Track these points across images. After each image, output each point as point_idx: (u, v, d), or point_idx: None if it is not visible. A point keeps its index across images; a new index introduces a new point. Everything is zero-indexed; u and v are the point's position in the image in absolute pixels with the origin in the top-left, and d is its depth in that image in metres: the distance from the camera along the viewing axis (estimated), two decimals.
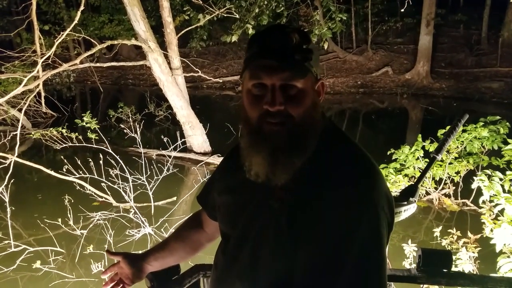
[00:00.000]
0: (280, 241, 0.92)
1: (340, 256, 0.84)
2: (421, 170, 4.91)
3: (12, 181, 4.49)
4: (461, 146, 4.67)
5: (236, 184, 1.05)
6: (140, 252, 1.30)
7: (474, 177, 3.19)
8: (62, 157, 5.17)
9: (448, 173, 4.79)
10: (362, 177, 0.90)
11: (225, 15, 6.64)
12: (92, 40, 5.99)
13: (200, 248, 1.31)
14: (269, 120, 0.90)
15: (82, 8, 4.99)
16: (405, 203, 1.49)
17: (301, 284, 0.87)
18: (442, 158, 4.69)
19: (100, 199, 4.96)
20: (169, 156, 5.22)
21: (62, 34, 4.81)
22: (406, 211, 1.49)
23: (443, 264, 1.29)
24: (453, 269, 2.87)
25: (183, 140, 6.06)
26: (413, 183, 1.64)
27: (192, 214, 1.36)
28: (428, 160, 4.32)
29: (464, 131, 4.56)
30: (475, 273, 2.93)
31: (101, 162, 4.72)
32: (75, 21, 4.84)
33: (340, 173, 0.89)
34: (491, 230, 2.90)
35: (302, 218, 0.89)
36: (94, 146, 5.10)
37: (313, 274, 0.86)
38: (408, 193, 1.51)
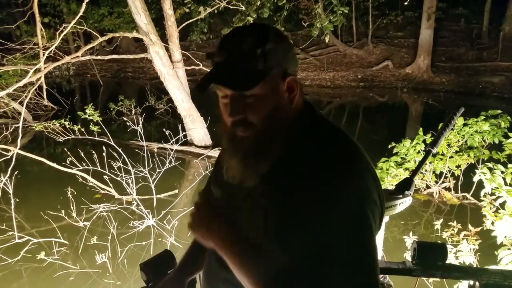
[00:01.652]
0: (266, 241, 0.91)
1: (328, 256, 0.83)
2: None
3: (16, 173, 4.51)
4: (462, 140, 4.69)
5: (221, 184, 1.06)
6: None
7: (476, 170, 3.21)
8: (63, 149, 5.18)
9: (448, 167, 4.82)
10: (350, 174, 0.88)
11: (231, 6, 6.60)
12: (93, 33, 5.97)
13: None
14: (237, 127, 0.93)
15: (87, 0, 4.96)
16: (401, 196, 1.49)
17: (284, 283, 0.86)
18: (443, 151, 4.72)
19: (102, 192, 4.98)
20: (171, 149, 5.22)
21: (67, 27, 4.80)
22: (402, 204, 1.50)
23: (438, 256, 1.30)
24: (453, 261, 2.92)
25: (184, 133, 6.07)
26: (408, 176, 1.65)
27: None
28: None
29: (465, 124, 4.58)
30: (474, 265, 2.97)
31: (104, 154, 4.74)
32: (80, 13, 4.84)
33: (328, 171, 0.87)
34: (492, 223, 2.92)
35: (289, 218, 0.87)
36: (97, 138, 5.11)
37: (297, 274, 0.84)
38: (404, 187, 1.52)
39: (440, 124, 4.26)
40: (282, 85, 0.93)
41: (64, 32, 4.86)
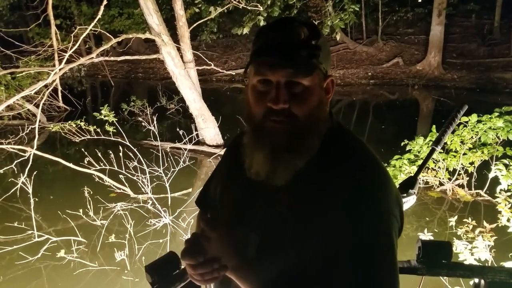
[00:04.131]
0: (286, 247, 0.88)
1: (354, 264, 0.82)
2: (434, 161, 4.93)
3: (35, 173, 4.59)
4: (475, 137, 4.68)
5: (239, 183, 1.00)
6: None
7: (492, 167, 3.21)
8: (76, 149, 5.25)
9: (462, 164, 4.81)
10: (373, 184, 0.87)
11: (249, 7, 6.60)
12: (106, 34, 6.05)
13: None
14: (272, 118, 0.86)
15: (105, 2, 5.04)
16: (405, 195, 1.48)
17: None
18: (456, 148, 4.71)
19: (118, 191, 5.05)
20: (184, 149, 5.29)
21: (83, 29, 4.89)
22: (406, 203, 1.50)
23: (442, 255, 1.29)
24: (469, 257, 2.92)
25: (196, 133, 6.13)
26: (412, 174, 1.65)
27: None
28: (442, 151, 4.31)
29: (479, 121, 4.57)
30: (489, 261, 2.97)
31: (118, 154, 4.82)
32: (99, 16, 4.92)
33: (350, 179, 0.86)
34: (508, 219, 2.93)
35: (311, 226, 0.85)
36: (112, 138, 5.20)
37: (320, 280, 0.83)
38: (408, 185, 1.51)
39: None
40: (323, 84, 0.91)
41: (84, 34, 4.98)
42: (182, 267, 1.25)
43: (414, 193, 1.51)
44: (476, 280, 1.31)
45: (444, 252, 1.30)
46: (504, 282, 1.27)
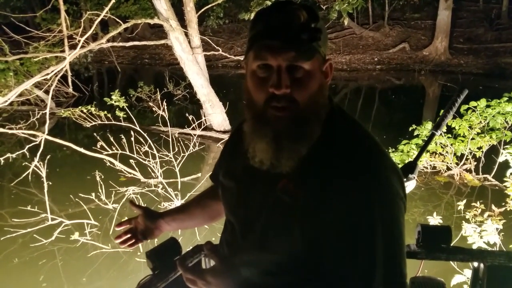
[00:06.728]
0: (289, 234, 0.88)
1: (363, 247, 0.83)
2: (442, 146, 4.95)
3: (48, 157, 4.66)
4: (484, 122, 4.69)
5: (240, 170, 1.00)
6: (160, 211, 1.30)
7: (502, 151, 3.23)
8: (84, 135, 5.28)
9: (470, 149, 4.82)
10: (377, 167, 0.87)
11: None
12: (116, 19, 6.06)
13: (218, 218, 1.28)
14: (274, 104, 0.84)
15: None
16: (405, 180, 1.52)
17: (315, 279, 0.86)
18: (464, 133, 4.73)
19: (128, 175, 5.12)
20: (194, 135, 5.34)
21: (94, 14, 4.90)
22: (406, 188, 1.54)
23: (442, 239, 1.31)
24: (478, 240, 2.97)
25: (204, 118, 6.17)
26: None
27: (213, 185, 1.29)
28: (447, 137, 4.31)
29: (487, 106, 4.58)
30: (498, 245, 3.01)
31: (132, 139, 4.87)
32: (112, 1, 4.91)
33: (353, 163, 0.85)
34: None
35: (315, 213, 0.85)
36: (123, 124, 5.24)
37: (329, 267, 0.84)
38: (407, 170, 1.51)
39: (462, 106, 4.24)
40: (322, 68, 0.89)
41: (98, 19, 4.96)
42: (183, 253, 1.29)
43: (414, 177, 1.52)
44: (476, 264, 1.34)
45: (443, 236, 1.32)
46: (503, 266, 1.29)
